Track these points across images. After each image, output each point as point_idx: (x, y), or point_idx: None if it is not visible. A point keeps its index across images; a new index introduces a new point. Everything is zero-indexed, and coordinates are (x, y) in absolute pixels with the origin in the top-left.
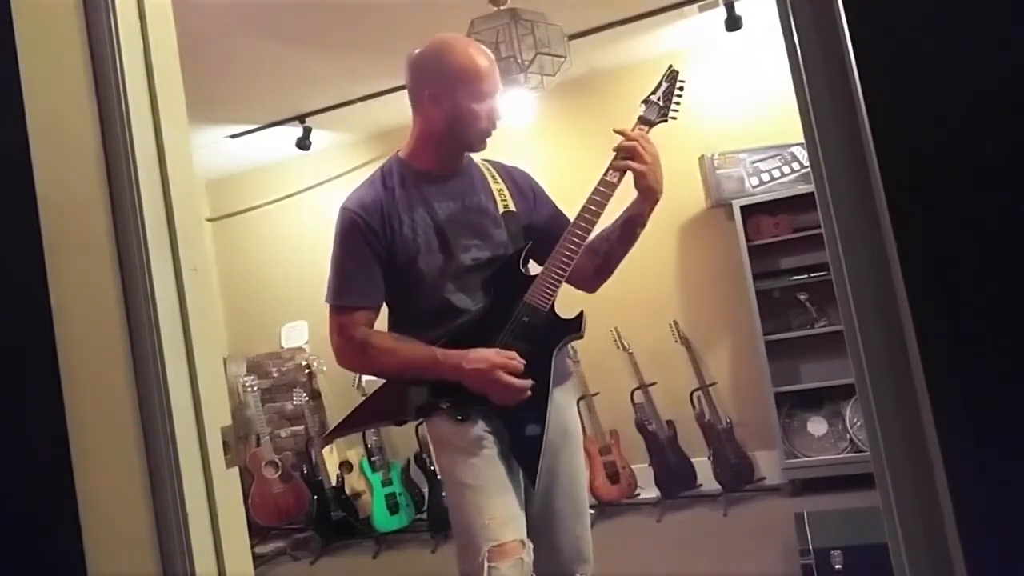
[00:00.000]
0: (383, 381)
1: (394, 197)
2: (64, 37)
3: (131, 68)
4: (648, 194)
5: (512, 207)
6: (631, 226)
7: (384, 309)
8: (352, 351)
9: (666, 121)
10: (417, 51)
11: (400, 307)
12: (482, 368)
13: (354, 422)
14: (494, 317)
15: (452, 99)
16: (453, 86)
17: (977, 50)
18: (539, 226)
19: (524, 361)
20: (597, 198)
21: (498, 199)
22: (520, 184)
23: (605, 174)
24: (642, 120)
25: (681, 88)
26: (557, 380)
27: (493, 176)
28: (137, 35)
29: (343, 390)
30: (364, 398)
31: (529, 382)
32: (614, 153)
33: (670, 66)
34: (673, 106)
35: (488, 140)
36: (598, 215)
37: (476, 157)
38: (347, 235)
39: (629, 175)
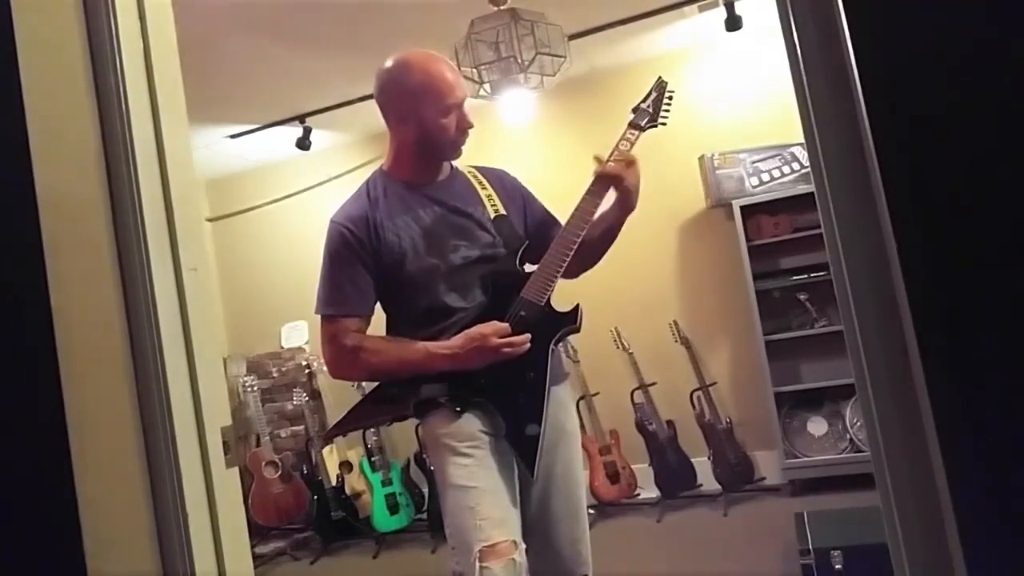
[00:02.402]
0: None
1: (378, 207)
2: (64, 37)
3: (131, 68)
4: (628, 205)
5: (502, 210)
6: (611, 233)
7: (382, 318)
8: (344, 357)
9: (655, 127)
10: (381, 69)
11: (395, 312)
12: (477, 344)
13: (352, 420)
14: (491, 314)
15: (417, 117)
16: (415, 105)
17: (977, 50)
18: (532, 227)
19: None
20: (586, 207)
21: (487, 204)
22: (508, 188)
23: (593, 184)
24: (632, 125)
25: (670, 98)
26: (554, 379)
27: (480, 182)
28: (137, 35)
29: (343, 390)
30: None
31: (527, 336)
32: (605, 164)
33: (659, 77)
34: (663, 114)
35: (463, 147)
36: (590, 219)
37: (461, 164)
38: (335, 247)
39: None
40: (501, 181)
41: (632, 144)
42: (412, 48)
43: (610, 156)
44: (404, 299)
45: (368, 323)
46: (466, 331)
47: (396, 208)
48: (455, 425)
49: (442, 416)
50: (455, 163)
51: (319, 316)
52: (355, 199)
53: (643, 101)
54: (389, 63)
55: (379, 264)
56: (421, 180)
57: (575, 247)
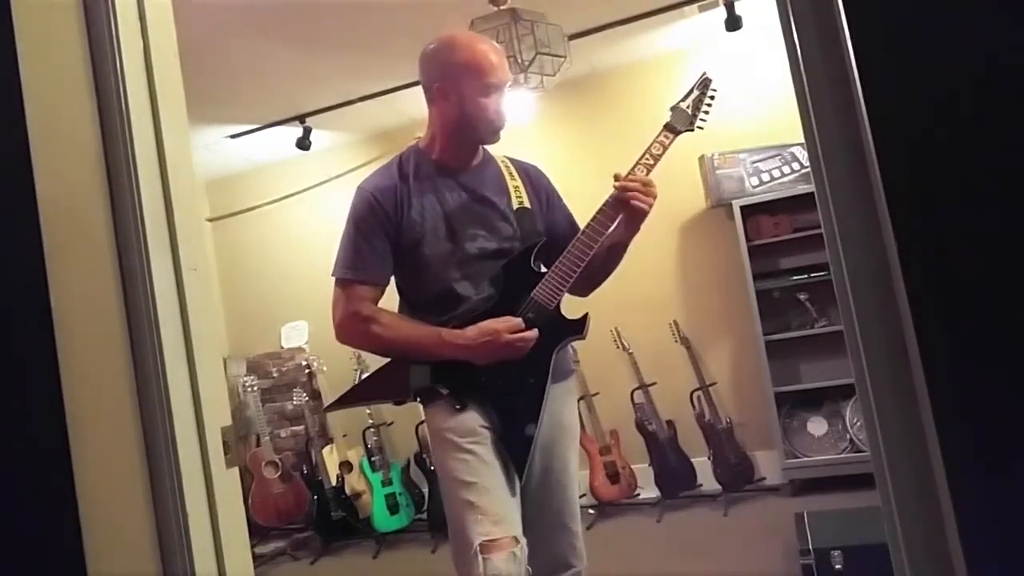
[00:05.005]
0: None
1: (408, 183)
2: (64, 37)
3: (131, 68)
4: (636, 226)
5: (527, 204)
6: (616, 250)
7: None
8: (355, 325)
9: (692, 131)
10: (426, 49)
11: (407, 290)
12: (489, 338)
13: (355, 397)
14: (501, 309)
15: (459, 93)
16: (458, 80)
17: (977, 50)
18: (550, 227)
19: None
20: (601, 219)
21: (513, 195)
22: (534, 183)
23: (608, 201)
24: (668, 127)
25: (712, 97)
26: (557, 377)
27: (511, 173)
28: (137, 35)
29: (343, 390)
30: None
31: (534, 332)
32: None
33: (703, 73)
34: (702, 115)
35: (501, 132)
36: (604, 232)
37: (496, 152)
38: (361, 213)
39: None
40: (528, 174)
41: (665, 148)
42: (413, 46)
43: (640, 160)
44: (418, 280)
45: (382, 294)
46: (480, 324)
47: (425, 187)
48: (457, 420)
49: (443, 409)
50: (491, 151)
51: (334, 279)
52: (386, 171)
53: (683, 100)
54: (434, 43)
55: (399, 239)
56: (455, 164)
57: (588, 257)
